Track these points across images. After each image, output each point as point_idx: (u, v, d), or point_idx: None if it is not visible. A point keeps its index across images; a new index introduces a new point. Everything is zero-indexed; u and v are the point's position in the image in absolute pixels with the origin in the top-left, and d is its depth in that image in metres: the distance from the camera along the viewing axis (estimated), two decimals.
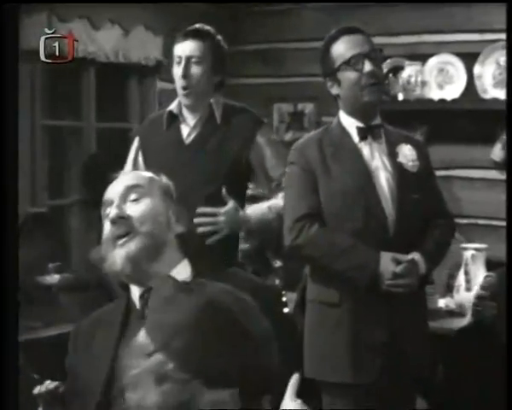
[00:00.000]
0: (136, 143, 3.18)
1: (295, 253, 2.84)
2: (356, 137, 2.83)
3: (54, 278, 4.15)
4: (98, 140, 4.59)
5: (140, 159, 3.14)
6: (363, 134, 2.82)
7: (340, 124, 2.86)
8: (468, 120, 4.46)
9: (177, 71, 3.03)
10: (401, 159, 2.83)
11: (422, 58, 4.58)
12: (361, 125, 2.82)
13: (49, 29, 4.05)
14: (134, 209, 1.90)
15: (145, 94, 4.79)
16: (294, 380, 1.66)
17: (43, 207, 4.13)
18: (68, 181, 4.63)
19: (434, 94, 4.55)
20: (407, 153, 2.85)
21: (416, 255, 2.78)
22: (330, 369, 2.77)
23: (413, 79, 4.52)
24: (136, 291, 1.90)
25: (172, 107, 3.10)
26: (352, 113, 2.82)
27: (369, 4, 4.75)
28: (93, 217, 4.55)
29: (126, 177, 2.01)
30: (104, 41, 4.40)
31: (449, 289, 4.00)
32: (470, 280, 3.81)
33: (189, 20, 4.89)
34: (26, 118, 3.96)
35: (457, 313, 3.82)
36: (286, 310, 3.34)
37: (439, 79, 4.56)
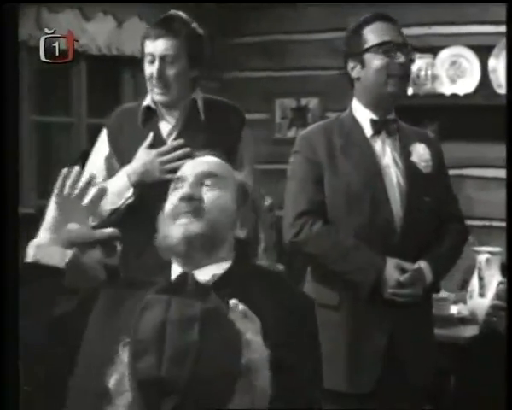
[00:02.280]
0: (104, 135, 3.08)
1: (295, 250, 2.84)
2: (368, 131, 2.82)
3: None
4: (89, 137, 4.61)
5: (106, 152, 3.03)
6: (378, 128, 2.81)
7: (352, 115, 2.84)
8: (482, 117, 4.49)
9: (151, 70, 2.93)
10: (414, 158, 2.82)
11: (434, 50, 4.61)
12: (375, 117, 2.82)
13: (39, 20, 4.11)
14: (207, 195, 1.94)
15: (139, 88, 4.80)
16: None
17: (31, 207, 4.14)
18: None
19: (446, 88, 4.58)
20: (421, 152, 2.84)
21: (422, 264, 2.78)
22: (325, 375, 2.79)
23: (423, 73, 4.54)
24: (176, 269, 1.92)
25: (149, 102, 3.00)
26: (368, 103, 2.81)
27: None
28: None
29: (207, 160, 2.04)
30: (96, 33, 4.43)
31: (461, 295, 4.02)
32: (484, 286, 3.81)
33: (185, 10, 4.95)
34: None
35: (470, 320, 3.83)
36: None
37: (451, 73, 4.58)
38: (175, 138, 2.97)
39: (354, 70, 2.80)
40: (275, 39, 5.25)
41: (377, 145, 2.81)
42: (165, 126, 3.00)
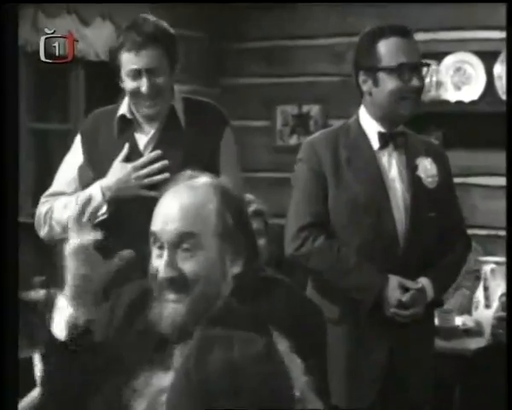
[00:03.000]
0: (78, 142, 2.95)
1: (297, 263, 2.83)
2: (375, 143, 2.81)
3: (39, 294, 4.17)
4: None
5: (80, 161, 2.92)
6: (385, 141, 2.80)
7: (359, 124, 2.83)
8: (488, 124, 4.49)
9: (137, 85, 2.77)
10: (420, 172, 2.81)
11: (438, 57, 4.61)
12: (383, 130, 2.81)
13: (36, 25, 4.11)
14: (187, 265, 1.81)
15: None
16: None
17: (28, 216, 4.14)
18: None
19: (451, 95, 4.58)
20: (427, 167, 2.83)
21: (424, 281, 2.78)
22: None
23: (428, 80, 4.54)
24: None
25: (124, 111, 2.87)
26: (377, 117, 2.80)
27: None
28: None
29: (182, 206, 1.83)
30: (94, 38, 4.43)
31: (466, 306, 4.02)
32: (490, 296, 3.82)
33: (185, 16, 4.97)
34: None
35: (475, 331, 3.83)
36: None
37: (456, 80, 4.58)
38: (152, 150, 2.84)
39: (365, 84, 2.78)
40: (276, 45, 5.25)
41: (384, 158, 2.81)
42: (142, 138, 2.88)
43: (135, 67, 2.76)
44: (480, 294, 3.88)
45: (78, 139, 2.96)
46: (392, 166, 2.81)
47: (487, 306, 3.82)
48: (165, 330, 1.79)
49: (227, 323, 1.36)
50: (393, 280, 2.73)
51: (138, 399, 1.54)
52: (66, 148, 4.59)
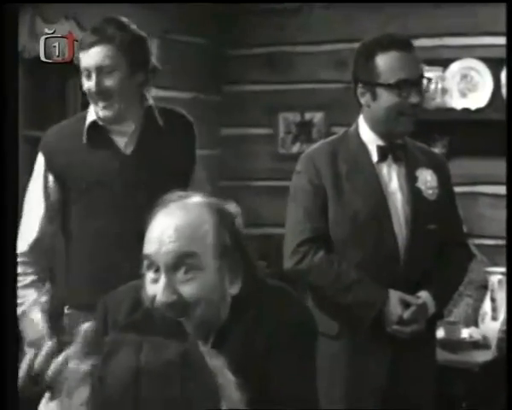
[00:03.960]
0: (41, 164, 2.92)
1: (296, 277, 2.82)
2: (375, 156, 2.81)
3: None
4: None
5: (50, 183, 2.89)
6: (384, 154, 2.81)
7: (358, 136, 2.83)
8: (495, 132, 4.48)
9: (88, 85, 2.78)
10: (420, 185, 2.82)
11: (444, 63, 4.61)
12: (382, 143, 2.80)
13: (33, 31, 4.12)
14: (186, 288, 1.79)
15: None
16: None
17: None
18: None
19: (457, 103, 4.58)
20: (427, 178, 2.83)
21: (425, 295, 2.77)
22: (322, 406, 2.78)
23: (433, 87, 4.54)
24: None
25: (94, 117, 2.86)
26: (375, 130, 2.81)
27: (387, 4, 4.78)
28: None
29: (173, 232, 1.80)
30: None
31: (473, 318, 4.01)
32: (497, 308, 3.81)
33: (184, 21, 4.98)
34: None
35: (482, 344, 3.82)
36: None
37: (462, 87, 4.58)
38: (134, 149, 2.86)
39: (363, 97, 2.78)
40: (278, 51, 5.25)
41: (383, 171, 2.81)
42: (120, 139, 2.87)
43: (86, 64, 2.76)
44: (487, 305, 3.87)
45: (41, 160, 2.92)
46: (391, 178, 2.81)
47: (494, 318, 3.81)
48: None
49: (145, 330, 1.26)
50: (394, 296, 2.73)
51: None
52: None
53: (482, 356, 3.71)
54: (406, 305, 2.74)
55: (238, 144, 5.28)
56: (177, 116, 2.99)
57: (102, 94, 2.77)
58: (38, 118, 4.56)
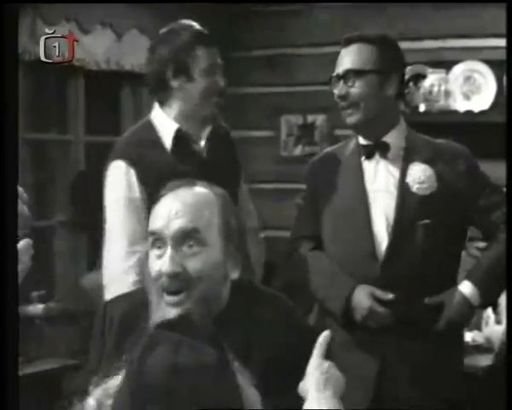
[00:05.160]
0: (129, 174, 2.85)
1: (286, 274, 3.03)
2: (362, 156, 2.86)
3: (37, 308, 4.18)
4: (87, 155, 4.63)
5: (137, 194, 2.84)
6: (368, 152, 2.85)
7: (356, 138, 2.90)
8: (498, 134, 4.49)
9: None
10: (409, 180, 2.83)
11: (447, 65, 4.63)
12: (365, 142, 2.86)
13: (34, 33, 4.13)
14: (191, 263, 1.84)
15: (139, 105, 4.83)
16: (323, 339, 1.70)
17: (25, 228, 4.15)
18: (53, 200, 4.66)
19: (460, 105, 4.59)
20: (417, 174, 2.83)
21: (465, 287, 2.77)
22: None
23: (436, 89, 4.56)
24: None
25: (176, 125, 2.92)
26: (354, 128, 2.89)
27: (389, 5, 4.80)
28: (81, 240, 4.61)
29: (185, 202, 1.89)
30: (94, 46, 4.45)
31: (476, 322, 4.02)
32: (500, 312, 3.83)
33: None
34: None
35: (486, 348, 3.83)
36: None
37: (466, 89, 4.59)
38: (208, 152, 2.97)
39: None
40: (280, 53, 5.27)
41: (368, 169, 2.85)
42: (197, 145, 2.98)
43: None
44: (490, 309, 3.89)
45: (129, 171, 2.85)
46: (378, 176, 2.84)
47: (498, 321, 3.83)
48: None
49: (184, 332, 1.30)
50: (362, 289, 2.75)
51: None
52: (65, 159, 4.64)
53: (485, 360, 3.73)
54: (377, 299, 2.75)
55: (240, 147, 5.28)
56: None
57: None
58: (40, 120, 4.58)
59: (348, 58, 2.83)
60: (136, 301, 1.99)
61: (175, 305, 1.83)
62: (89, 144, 4.66)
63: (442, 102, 4.57)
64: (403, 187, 2.81)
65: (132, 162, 2.86)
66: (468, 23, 4.64)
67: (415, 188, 2.80)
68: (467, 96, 4.59)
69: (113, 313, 2.15)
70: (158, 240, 1.86)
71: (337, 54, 4.97)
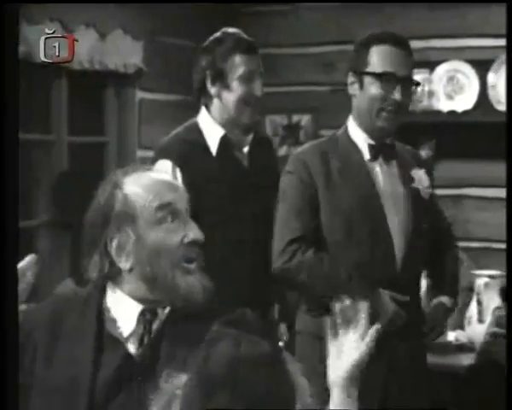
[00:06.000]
0: (178, 175, 2.88)
1: (285, 277, 2.84)
2: (366, 154, 2.85)
3: (21, 308, 4.17)
4: (70, 155, 4.63)
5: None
6: (375, 153, 2.84)
7: (348, 135, 2.87)
8: (481, 134, 4.52)
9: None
10: (418, 185, 2.85)
11: (430, 65, 4.64)
12: (372, 142, 2.84)
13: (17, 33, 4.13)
14: (198, 231, 1.95)
15: (123, 105, 4.84)
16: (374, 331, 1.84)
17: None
18: (36, 201, 4.65)
19: (443, 105, 4.61)
20: (423, 178, 2.87)
21: (444, 299, 2.90)
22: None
23: (419, 89, 4.57)
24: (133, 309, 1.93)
25: (223, 131, 2.96)
26: (362, 127, 2.84)
27: (373, 5, 4.81)
28: (64, 241, 4.60)
29: (172, 181, 2.03)
30: (78, 46, 4.44)
31: (459, 321, 4.04)
32: (483, 311, 3.85)
33: (171, 23, 4.99)
34: None
35: (468, 347, 3.85)
36: (281, 343, 3.38)
37: (449, 89, 4.61)
38: (249, 161, 2.98)
39: (352, 86, 2.84)
40: (265, 53, 5.25)
41: (375, 170, 2.84)
42: (238, 152, 3.00)
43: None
44: (473, 308, 3.91)
45: (175, 171, 2.90)
46: (384, 178, 2.84)
47: (480, 321, 3.85)
48: (199, 301, 1.90)
49: (241, 328, 1.48)
50: (384, 294, 2.75)
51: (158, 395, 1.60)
52: (48, 159, 4.63)
53: (468, 359, 3.75)
54: (398, 304, 2.76)
55: None
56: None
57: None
58: (23, 120, 4.57)
59: (398, 62, 2.78)
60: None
61: (191, 272, 1.90)
62: (72, 145, 4.65)
63: (425, 102, 4.59)
64: (411, 191, 2.83)
65: (178, 163, 2.89)
66: (452, 23, 4.65)
67: (422, 192, 2.84)
68: (450, 97, 4.61)
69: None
70: (171, 213, 1.91)
71: (323, 54, 5.03)
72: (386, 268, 2.78)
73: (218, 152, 2.94)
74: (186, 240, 1.90)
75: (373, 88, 2.77)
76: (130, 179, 1.94)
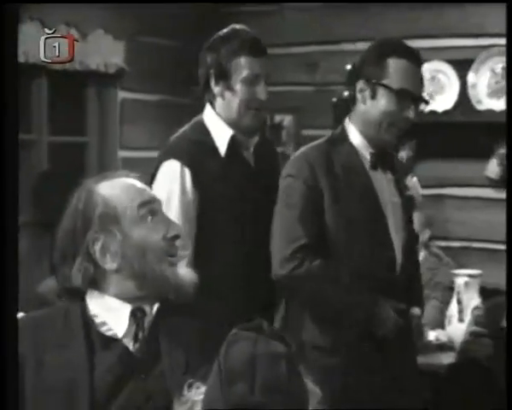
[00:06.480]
0: (185, 176, 2.83)
1: (290, 284, 2.79)
2: (367, 163, 2.82)
3: None
4: (50, 155, 4.62)
5: (190, 196, 2.83)
6: (376, 162, 2.82)
7: (349, 141, 2.83)
8: (461, 134, 4.55)
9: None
10: (412, 192, 2.88)
11: None
12: (373, 151, 2.81)
13: None
14: (178, 226, 2.03)
15: (104, 105, 4.84)
16: None
17: None
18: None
19: (424, 105, 4.62)
20: (416, 185, 2.91)
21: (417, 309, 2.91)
22: None
23: None
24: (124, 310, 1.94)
25: (232, 131, 2.88)
26: (365, 134, 2.81)
27: (356, 6, 4.83)
28: (44, 242, 4.58)
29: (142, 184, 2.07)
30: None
31: (439, 320, 4.06)
32: (463, 310, 3.86)
33: (153, 22, 5.00)
34: None
35: (448, 346, 3.87)
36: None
37: (430, 89, 4.63)
38: (255, 161, 2.94)
39: (362, 94, 2.78)
40: None
41: (376, 177, 2.84)
42: (246, 152, 2.94)
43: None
44: (453, 308, 3.93)
45: (185, 172, 2.84)
46: (383, 186, 2.84)
47: (461, 320, 3.86)
48: (191, 292, 1.96)
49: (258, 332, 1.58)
50: (386, 302, 2.75)
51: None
52: (28, 159, 4.62)
53: (448, 358, 3.76)
54: (400, 313, 2.77)
55: None
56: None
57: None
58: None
59: (415, 81, 2.77)
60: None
61: (174, 264, 1.95)
62: (52, 144, 4.65)
63: None
64: (408, 199, 2.86)
65: (187, 163, 2.83)
66: (432, 23, 4.68)
67: (417, 200, 2.88)
68: (430, 97, 4.63)
69: None
70: (150, 211, 1.96)
71: (306, 54, 5.04)
72: (387, 274, 2.79)
73: (226, 152, 2.87)
74: (168, 235, 1.95)
75: (387, 102, 2.73)
76: (104, 185, 1.98)
